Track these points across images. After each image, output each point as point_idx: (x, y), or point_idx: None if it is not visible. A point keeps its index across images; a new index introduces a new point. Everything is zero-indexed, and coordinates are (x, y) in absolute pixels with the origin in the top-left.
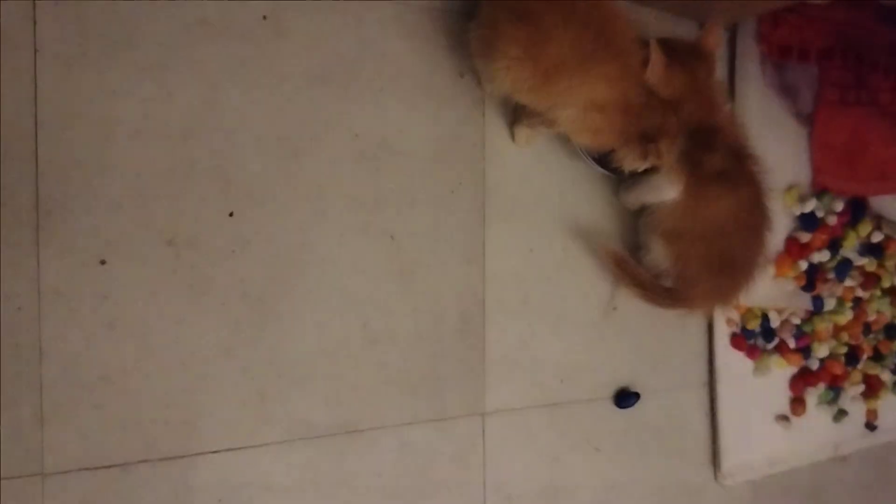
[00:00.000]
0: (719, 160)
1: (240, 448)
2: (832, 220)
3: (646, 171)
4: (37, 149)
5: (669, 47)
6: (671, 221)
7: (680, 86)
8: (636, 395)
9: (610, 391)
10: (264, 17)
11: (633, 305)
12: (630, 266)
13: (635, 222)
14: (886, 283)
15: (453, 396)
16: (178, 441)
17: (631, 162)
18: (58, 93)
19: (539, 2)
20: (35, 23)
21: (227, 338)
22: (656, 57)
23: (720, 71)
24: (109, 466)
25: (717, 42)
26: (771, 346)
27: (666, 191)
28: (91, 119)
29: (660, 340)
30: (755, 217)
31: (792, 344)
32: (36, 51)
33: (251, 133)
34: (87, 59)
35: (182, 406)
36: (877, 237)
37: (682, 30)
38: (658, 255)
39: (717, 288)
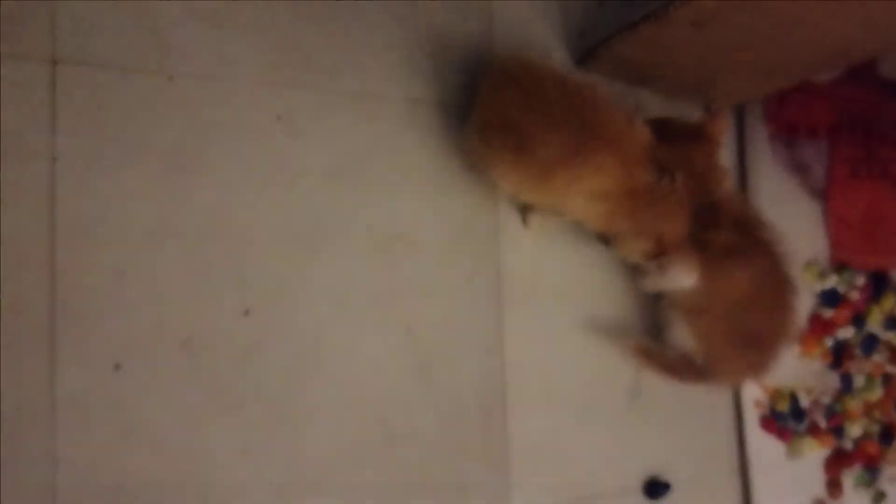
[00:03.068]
0: (726, 235)
1: None
2: (854, 296)
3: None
4: (53, 254)
5: (666, 127)
6: (691, 302)
7: (669, 164)
8: (667, 486)
9: (639, 482)
10: (278, 118)
11: (658, 391)
12: (657, 355)
13: (656, 302)
14: None
15: (477, 496)
16: None
17: (636, 256)
18: (74, 198)
19: (522, 107)
20: (55, 132)
21: (242, 440)
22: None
23: (729, 152)
24: None
25: (721, 128)
26: (802, 427)
27: (681, 280)
28: (107, 223)
29: (688, 426)
30: (776, 285)
31: (823, 424)
32: (55, 159)
33: (266, 231)
34: (104, 164)
35: None
36: None
37: (687, 114)
38: (682, 335)
39: (746, 361)
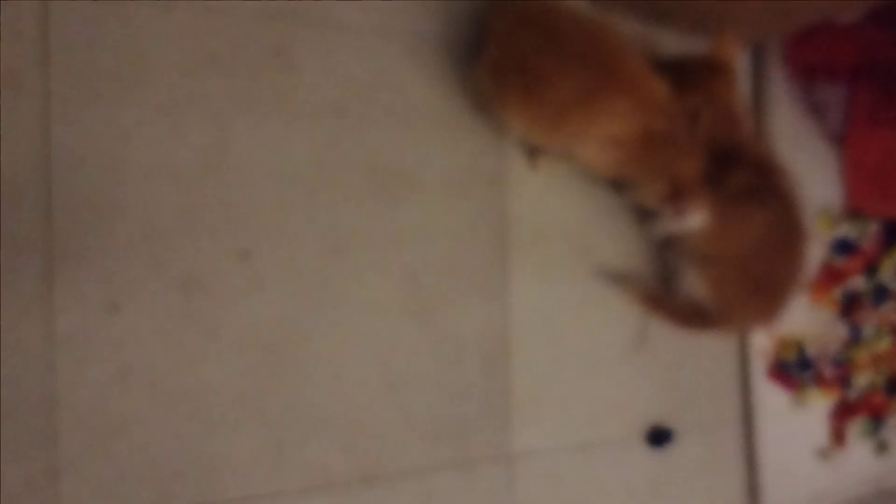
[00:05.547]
0: (743, 177)
1: (256, 496)
2: (867, 245)
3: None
4: (50, 193)
5: (680, 68)
6: (703, 247)
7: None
8: (670, 434)
9: (643, 429)
10: (277, 53)
11: (664, 339)
12: (662, 301)
13: (665, 249)
14: None
15: (478, 440)
16: (194, 491)
17: (653, 202)
18: (70, 135)
19: (534, 48)
20: (49, 67)
21: (241, 383)
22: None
23: (745, 92)
24: None
25: (731, 50)
26: (808, 376)
27: (697, 220)
28: (103, 161)
29: (693, 374)
30: (790, 232)
31: (830, 374)
32: (49, 94)
33: (264, 170)
34: (100, 101)
35: (197, 455)
36: None
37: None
38: (692, 281)
39: (756, 308)
